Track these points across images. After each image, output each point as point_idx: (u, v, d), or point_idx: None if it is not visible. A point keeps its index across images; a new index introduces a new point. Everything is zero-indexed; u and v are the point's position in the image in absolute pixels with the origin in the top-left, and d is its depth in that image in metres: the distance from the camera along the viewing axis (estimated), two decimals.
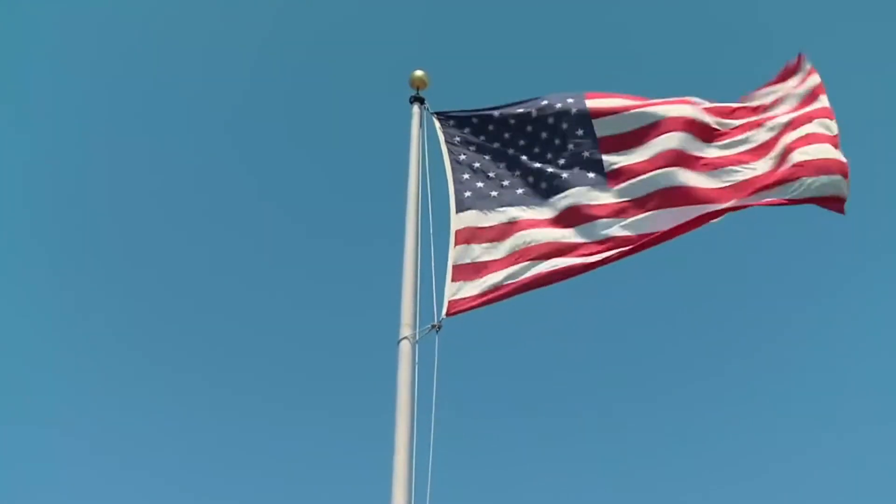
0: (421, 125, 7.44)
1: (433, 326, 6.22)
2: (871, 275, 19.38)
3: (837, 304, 19.68)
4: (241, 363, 19.71)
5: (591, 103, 7.22)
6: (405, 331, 6.17)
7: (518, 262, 6.59)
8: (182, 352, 19.73)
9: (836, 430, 17.73)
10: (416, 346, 6.09)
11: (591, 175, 6.98)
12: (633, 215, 6.67)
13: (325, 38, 21.64)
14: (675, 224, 6.53)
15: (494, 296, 6.47)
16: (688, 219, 6.52)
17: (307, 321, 20.34)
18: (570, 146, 7.14)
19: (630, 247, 6.51)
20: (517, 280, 6.51)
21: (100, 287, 20.03)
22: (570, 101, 7.28)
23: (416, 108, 7.54)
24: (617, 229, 6.63)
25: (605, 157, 7.03)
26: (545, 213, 6.87)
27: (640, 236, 6.56)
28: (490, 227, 6.84)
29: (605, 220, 6.71)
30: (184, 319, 20.10)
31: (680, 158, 6.87)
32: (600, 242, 6.60)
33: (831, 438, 17.61)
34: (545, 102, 7.36)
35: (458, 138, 7.39)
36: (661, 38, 21.74)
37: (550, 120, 7.29)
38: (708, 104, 7.19)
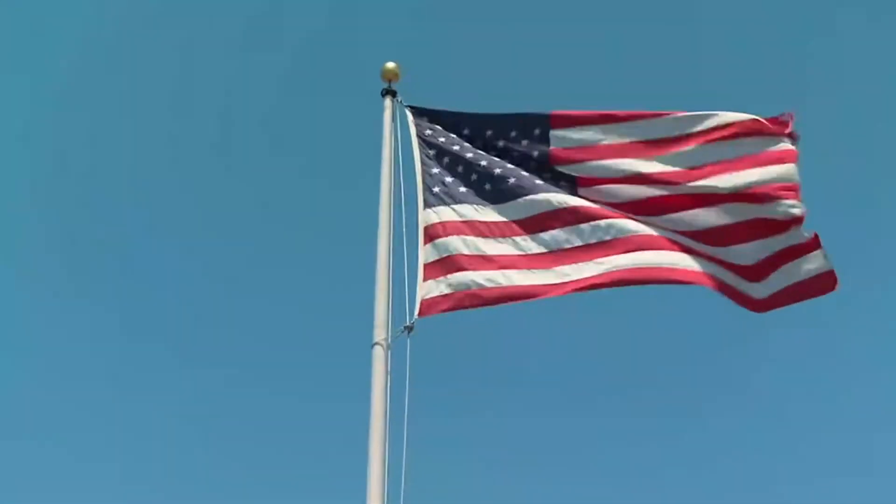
0: (393, 119, 7.31)
1: (405, 328, 6.16)
2: None
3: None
4: (213, 361, 19.63)
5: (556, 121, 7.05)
6: (379, 333, 6.12)
7: (496, 269, 6.52)
8: (159, 351, 19.63)
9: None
10: (390, 350, 6.04)
11: (563, 182, 6.89)
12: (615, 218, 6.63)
13: (295, 31, 21.35)
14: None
15: (471, 303, 6.41)
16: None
17: (279, 320, 20.24)
18: (533, 152, 7.02)
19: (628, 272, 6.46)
20: (497, 287, 6.45)
21: (62, 283, 19.89)
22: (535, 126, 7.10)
23: (388, 102, 7.39)
24: (600, 233, 6.59)
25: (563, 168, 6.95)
26: (517, 213, 6.77)
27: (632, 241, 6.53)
28: (460, 222, 6.75)
29: (586, 224, 6.64)
30: (157, 320, 19.98)
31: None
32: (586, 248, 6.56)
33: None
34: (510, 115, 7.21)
35: (428, 131, 7.25)
36: (643, 31, 21.52)
37: (512, 133, 7.13)
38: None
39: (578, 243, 6.62)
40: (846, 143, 19.66)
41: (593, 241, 6.59)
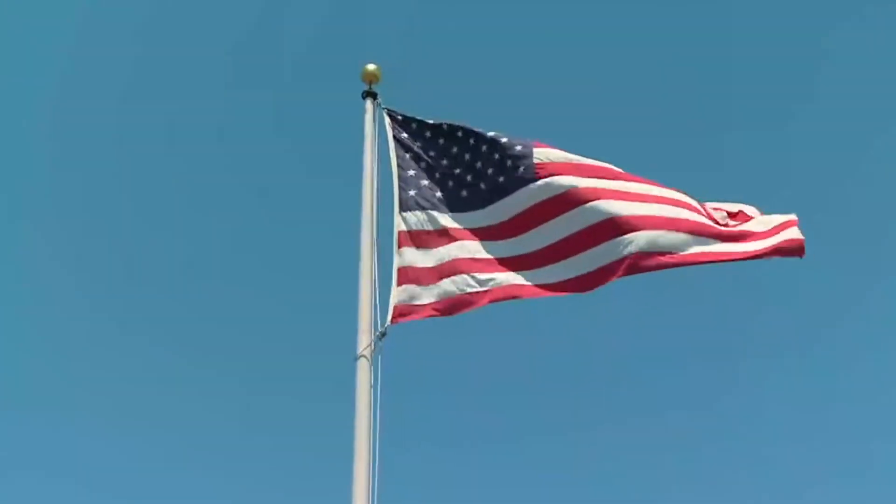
0: (375, 121, 7.22)
1: (379, 334, 6.07)
2: None
3: None
4: (200, 362, 19.49)
5: (539, 153, 6.85)
6: (363, 340, 6.04)
7: (466, 272, 6.47)
8: (148, 351, 19.46)
9: None
10: (373, 362, 5.97)
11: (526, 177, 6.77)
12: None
13: (284, 31, 21.13)
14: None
15: (443, 308, 6.35)
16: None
17: (265, 321, 20.13)
18: (509, 163, 6.89)
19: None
20: (470, 293, 6.40)
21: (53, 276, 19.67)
22: (518, 147, 6.92)
23: (368, 104, 7.30)
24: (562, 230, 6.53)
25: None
26: (489, 220, 6.72)
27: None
28: (435, 230, 6.67)
29: (548, 223, 6.59)
30: (146, 320, 19.80)
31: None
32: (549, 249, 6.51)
33: None
34: (492, 134, 7.03)
35: (405, 134, 7.18)
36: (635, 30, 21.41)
37: (495, 148, 6.99)
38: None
39: (555, 239, 6.57)
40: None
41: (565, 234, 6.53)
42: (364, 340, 6.05)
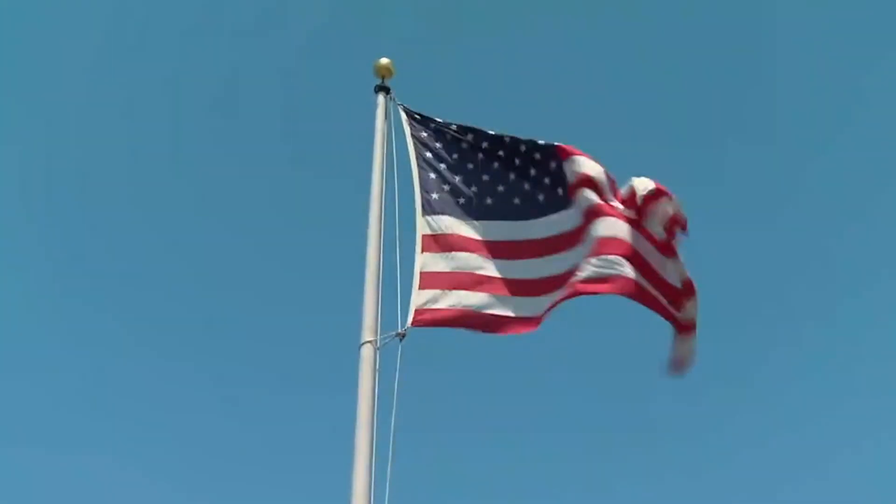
0: (386, 117, 7.05)
1: (397, 334, 5.90)
2: None
3: None
4: (200, 358, 19.48)
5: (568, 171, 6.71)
6: (366, 335, 5.86)
7: (497, 292, 6.31)
8: (147, 348, 19.40)
9: None
10: (379, 351, 5.80)
11: (564, 204, 6.67)
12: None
13: (290, 27, 21.10)
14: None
15: (464, 324, 6.19)
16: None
17: (269, 318, 20.12)
18: (544, 175, 6.79)
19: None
20: (492, 312, 6.25)
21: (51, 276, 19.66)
22: (540, 141, 6.85)
23: (381, 99, 7.13)
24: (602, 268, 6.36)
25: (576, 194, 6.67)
26: (521, 233, 6.59)
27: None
28: (461, 236, 6.50)
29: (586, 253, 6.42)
30: (145, 317, 19.75)
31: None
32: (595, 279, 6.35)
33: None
34: (523, 149, 6.91)
35: (424, 134, 6.97)
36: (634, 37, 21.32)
37: (522, 147, 6.89)
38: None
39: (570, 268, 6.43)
40: None
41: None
42: (367, 337, 5.85)
